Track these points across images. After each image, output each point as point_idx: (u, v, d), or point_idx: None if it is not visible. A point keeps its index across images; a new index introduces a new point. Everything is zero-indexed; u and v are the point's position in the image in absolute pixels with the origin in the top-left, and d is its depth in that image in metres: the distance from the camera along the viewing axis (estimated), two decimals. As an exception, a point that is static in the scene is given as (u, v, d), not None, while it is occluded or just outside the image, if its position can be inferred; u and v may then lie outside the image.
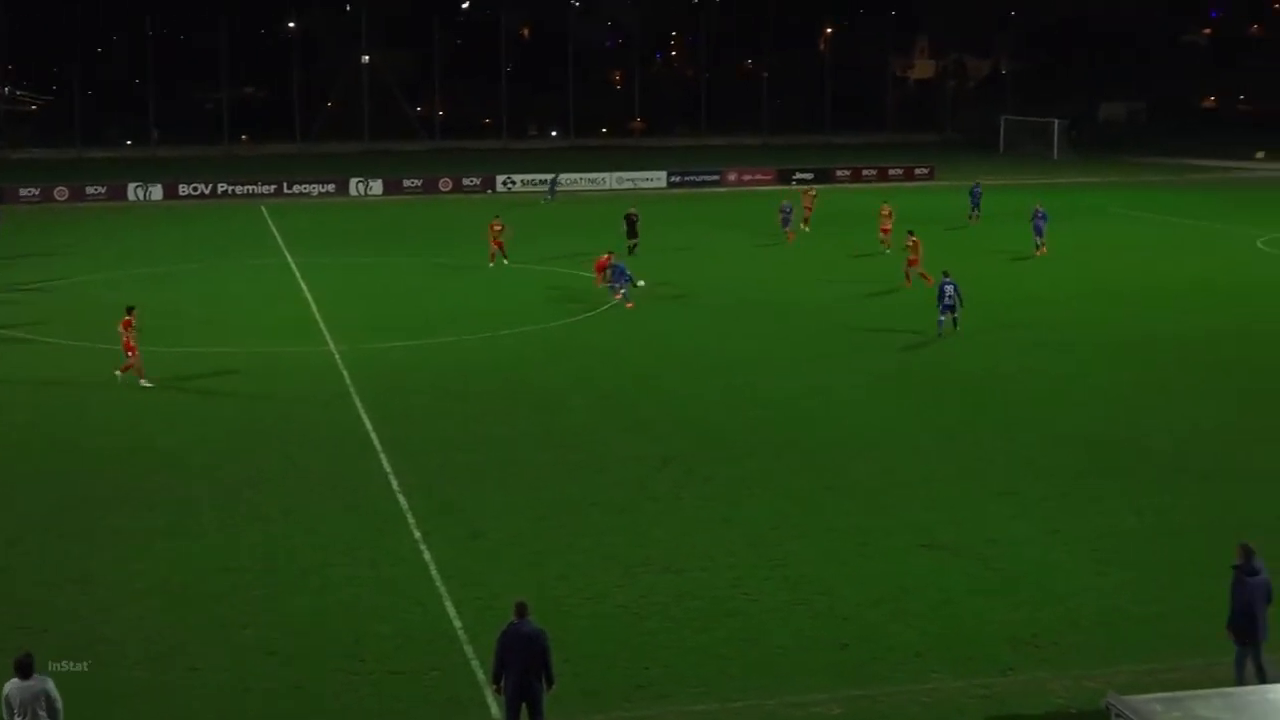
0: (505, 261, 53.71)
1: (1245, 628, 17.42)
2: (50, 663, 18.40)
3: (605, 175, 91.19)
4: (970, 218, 67.53)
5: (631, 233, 56.54)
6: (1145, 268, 53.54)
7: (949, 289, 40.36)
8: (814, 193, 68.81)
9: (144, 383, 34.76)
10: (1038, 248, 56.15)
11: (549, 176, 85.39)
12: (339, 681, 18.56)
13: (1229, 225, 67.01)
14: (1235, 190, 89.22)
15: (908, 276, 47.82)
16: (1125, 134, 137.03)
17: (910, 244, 48.33)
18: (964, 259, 51.73)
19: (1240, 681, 17.07)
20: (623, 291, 45.47)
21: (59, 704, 15.41)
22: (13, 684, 15.26)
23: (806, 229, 63.79)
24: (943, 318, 40.52)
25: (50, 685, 15.43)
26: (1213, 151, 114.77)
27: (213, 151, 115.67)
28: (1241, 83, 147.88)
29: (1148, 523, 24.45)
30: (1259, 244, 60.26)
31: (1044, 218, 56.73)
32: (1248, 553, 17.64)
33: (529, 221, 67.43)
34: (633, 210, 58.23)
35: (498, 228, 54.62)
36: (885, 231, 57.61)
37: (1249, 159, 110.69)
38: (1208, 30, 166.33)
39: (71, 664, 18.95)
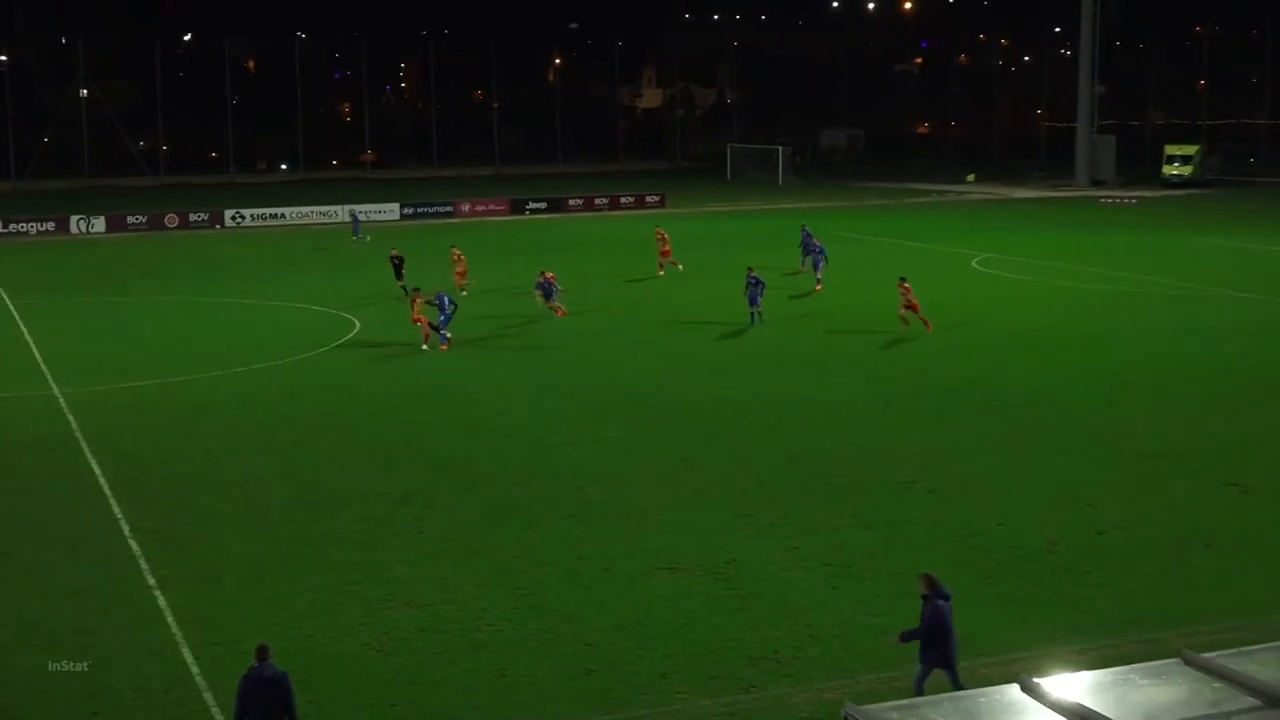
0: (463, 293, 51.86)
1: (942, 651, 17.76)
2: (50, 662, 17.47)
3: (338, 208, 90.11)
4: (803, 264, 58.86)
5: (398, 274, 53.62)
6: (869, 289, 55.15)
7: (753, 280, 46.23)
8: (665, 233, 61.10)
9: None
10: (819, 281, 54.56)
11: (350, 210, 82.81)
12: (73, 737, 17.94)
13: (946, 246, 69.73)
14: (950, 212, 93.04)
15: (905, 320, 44.85)
16: (846, 160, 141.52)
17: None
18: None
19: (921, 694, 17.58)
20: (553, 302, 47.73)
21: None
22: None
23: (679, 267, 59.11)
24: (752, 308, 46.24)
25: None
26: (927, 175, 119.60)
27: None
28: (951, 109, 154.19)
29: (879, 537, 25.26)
30: (974, 264, 62.87)
31: (821, 251, 55.27)
32: (933, 582, 17.98)
33: (268, 257, 66.25)
34: (395, 251, 55.57)
35: (459, 264, 54.11)
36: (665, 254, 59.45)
37: (961, 182, 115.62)
38: (919, 60, 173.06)
39: (71, 664, 18.09)
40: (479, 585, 22.98)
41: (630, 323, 47.95)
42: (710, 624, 21.27)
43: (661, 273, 59.16)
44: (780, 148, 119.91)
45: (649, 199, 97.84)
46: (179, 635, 21.02)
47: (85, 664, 19.09)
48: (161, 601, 22.41)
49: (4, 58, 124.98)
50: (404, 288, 52.49)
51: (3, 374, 40.76)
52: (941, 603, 17.82)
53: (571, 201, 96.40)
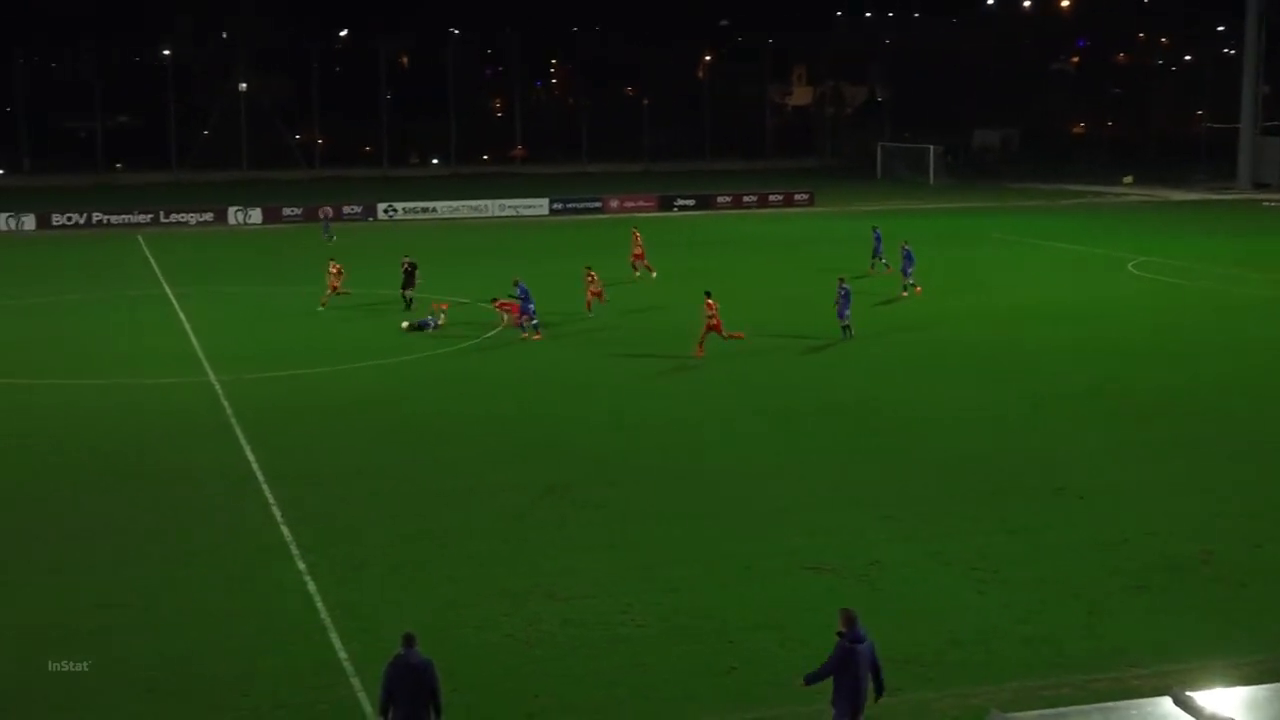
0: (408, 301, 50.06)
1: (852, 698, 16.70)
2: (50, 662, 18.02)
3: (488, 203, 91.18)
4: (872, 267, 59.03)
5: (408, 282, 50.36)
6: (1022, 291, 54.50)
7: (843, 292, 43.59)
8: (639, 234, 60.36)
9: None
10: (906, 288, 52.76)
11: (322, 211, 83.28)
12: (225, 717, 18.32)
13: (1102, 249, 68.48)
14: (1106, 214, 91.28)
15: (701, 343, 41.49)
16: (999, 160, 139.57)
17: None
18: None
19: None
20: (533, 323, 44.85)
21: None
22: None
23: (653, 274, 57.55)
24: (842, 321, 43.66)
25: None
26: (1083, 177, 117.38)
27: (87, 180, 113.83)
28: (1108, 109, 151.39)
29: (1025, 543, 24.87)
30: (1130, 267, 61.67)
31: (909, 258, 53.59)
32: (851, 620, 16.95)
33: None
34: (407, 259, 51.50)
35: (339, 276, 51.71)
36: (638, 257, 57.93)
37: (1118, 184, 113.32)
38: (1075, 59, 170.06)
39: (71, 664, 18.67)
40: (621, 579, 23.05)
41: (772, 320, 47.66)
42: (852, 625, 21.07)
43: (637, 275, 57.59)
44: (931, 147, 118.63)
45: (797, 197, 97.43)
46: (327, 620, 21.39)
47: (85, 664, 19.33)
48: (311, 587, 22.82)
49: (167, 52, 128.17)
50: (407, 296, 50.10)
51: (163, 361, 41.83)
52: (856, 645, 16.64)
53: (720, 199, 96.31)
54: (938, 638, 20.64)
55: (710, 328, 41.29)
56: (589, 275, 49.55)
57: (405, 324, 46.82)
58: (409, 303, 49.85)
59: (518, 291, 45.27)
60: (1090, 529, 25.52)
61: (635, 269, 58.13)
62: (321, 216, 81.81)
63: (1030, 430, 32.98)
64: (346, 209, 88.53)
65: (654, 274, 57.57)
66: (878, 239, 59.69)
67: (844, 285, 44.30)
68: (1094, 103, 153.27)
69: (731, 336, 41.78)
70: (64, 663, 19.02)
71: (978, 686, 18.96)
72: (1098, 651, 20.06)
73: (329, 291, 51.32)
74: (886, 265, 57.63)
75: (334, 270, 52.14)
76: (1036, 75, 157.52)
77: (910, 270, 52.76)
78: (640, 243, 58.89)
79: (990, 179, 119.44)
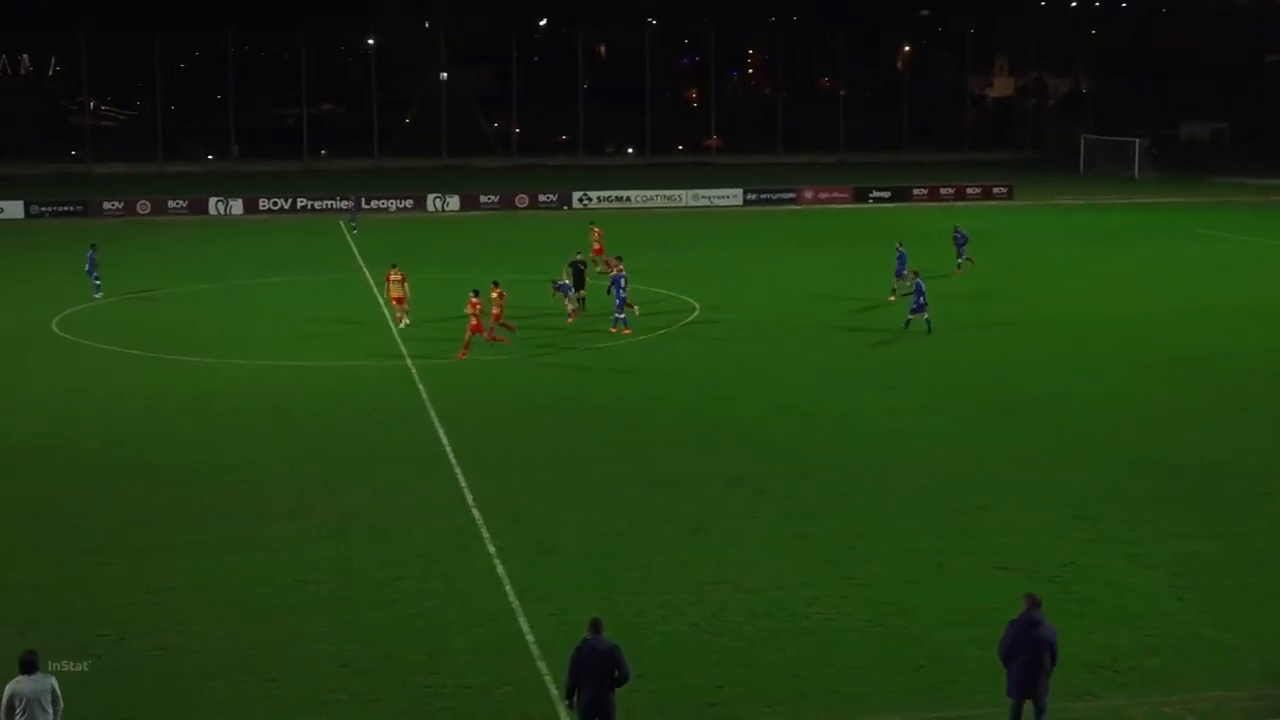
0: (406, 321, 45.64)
1: (1030, 685, 16.59)
2: (50, 662, 18.57)
3: (682, 193, 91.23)
4: (958, 267, 57.08)
5: (579, 282, 47.55)
6: (1230, 289, 52.83)
7: (921, 286, 43.25)
8: (598, 230, 58.50)
9: None
10: (958, 266, 56.37)
11: (347, 203, 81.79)
12: (413, 695, 18.64)
13: (1313, 247, 66.04)
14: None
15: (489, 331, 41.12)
16: (1207, 154, 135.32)
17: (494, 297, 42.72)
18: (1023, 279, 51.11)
19: None
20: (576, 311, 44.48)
21: (61, 702, 15.73)
22: (18, 681, 15.50)
23: (598, 269, 53.87)
24: (912, 316, 43.17)
25: (54, 682, 15.72)
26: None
27: (292, 166, 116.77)
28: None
29: (1227, 548, 24.09)
30: (1345, 266, 59.40)
31: (964, 239, 56.87)
32: (1034, 604, 16.77)
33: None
34: (579, 256, 49.34)
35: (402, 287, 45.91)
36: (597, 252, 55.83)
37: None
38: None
39: (72, 664, 19.23)
40: (809, 572, 22.90)
41: (950, 314, 46.85)
42: (1045, 627, 20.62)
43: (599, 269, 53.83)
44: (1136, 140, 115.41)
45: (996, 190, 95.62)
46: (515, 603, 21.63)
47: (85, 664, 19.49)
48: (500, 570, 23.10)
49: (371, 42, 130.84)
50: (580, 297, 47.25)
51: (361, 343, 42.74)
52: (1033, 629, 16.61)
53: (916, 191, 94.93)
54: (1133, 643, 20.11)
55: (472, 329, 40.13)
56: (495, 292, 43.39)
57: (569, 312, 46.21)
58: (581, 302, 47.42)
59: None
60: (1297, 536, 24.63)
61: (595, 264, 54.95)
62: (349, 204, 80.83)
63: (1235, 433, 31.91)
64: (542, 197, 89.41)
65: (599, 270, 54.69)
66: (962, 239, 58.06)
67: (919, 279, 43.82)
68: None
69: (494, 340, 41.05)
70: (64, 663, 19.24)
71: (1174, 695, 18.42)
72: (1305, 663, 19.37)
73: (397, 304, 45.94)
74: (970, 259, 56.44)
75: (396, 278, 46.07)
76: (1250, 67, 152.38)
77: (904, 271, 50.16)
78: (599, 238, 57.47)
79: (1198, 173, 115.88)
